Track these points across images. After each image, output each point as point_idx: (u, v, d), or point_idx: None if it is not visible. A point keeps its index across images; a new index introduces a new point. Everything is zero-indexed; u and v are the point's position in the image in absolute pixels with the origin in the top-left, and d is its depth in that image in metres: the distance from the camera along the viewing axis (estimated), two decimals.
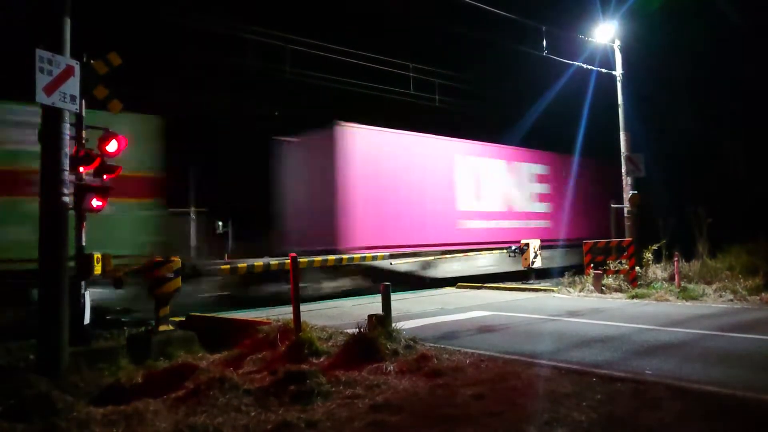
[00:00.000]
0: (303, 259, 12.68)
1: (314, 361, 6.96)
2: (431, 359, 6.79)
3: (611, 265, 14.90)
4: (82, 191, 8.31)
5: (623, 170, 16.52)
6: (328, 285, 15.16)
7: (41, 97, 6.48)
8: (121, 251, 10.36)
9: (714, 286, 13.36)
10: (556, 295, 14.56)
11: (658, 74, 23.92)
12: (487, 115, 25.34)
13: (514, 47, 16.85)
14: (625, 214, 16.51)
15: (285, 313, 9.30)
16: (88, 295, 8.43)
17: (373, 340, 7.12)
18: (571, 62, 17.34)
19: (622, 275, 14.69)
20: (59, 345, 6.78)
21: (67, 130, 7.05)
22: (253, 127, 21.14)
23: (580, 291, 14.53)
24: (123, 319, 11.30)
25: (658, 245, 15.71)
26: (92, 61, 8.32)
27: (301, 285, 8.13)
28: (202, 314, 10.74)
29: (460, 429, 4.63)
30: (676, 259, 14.10)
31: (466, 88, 21.88)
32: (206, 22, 14.76)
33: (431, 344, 7.89)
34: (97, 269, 8.34)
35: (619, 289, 14.22)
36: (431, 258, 16.97)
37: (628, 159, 16.44)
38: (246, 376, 6.41)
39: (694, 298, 12.62)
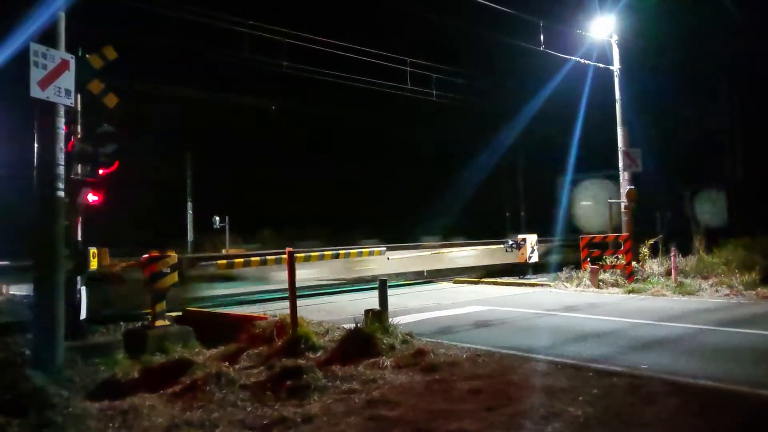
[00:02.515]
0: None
1: (311, 356, 6.96)
2: (428, 354, 6.79)
3: (608, 260, 14.92)
4: (78, 186, 8.28)
5: (620, 165, 16.53)
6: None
7: (35, 91, 6.45)
8: None
9: (710, 281, 13.39)
10: (553, 290, 14.58)
11: (656, 69, 23.90)
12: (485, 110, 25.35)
13: (511, 42, 16.81)
14: (622, 209, 16.52)
15: (282, 308, 9.29)
16: (85, 290, 8.40)
17: (369, 336, 7.11)
18: (568, 57, 17.31)
19: (618, 270, 14.71)
20: (55, 340, 6.77)
21: (62, 125, 7.02)
22: None
23: (576, 286, 14.55)
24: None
25: (654, 240, 15.73)
26: (87, 55, 8.27)
27: None
28: (199, 309, 10.74)
29: (457, 423, 4.63)
30: (672, 254, 14.12)
31: (463, 83, 21.82)
32: (202, 15, 14.68)
33: (428, 339, 7.89)
34: (94, 264, 8.31)
35: (615, 284, 14.26)
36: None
37: (626, 154, 16.44)
38: (242, 371, 6.40)
39: (690, 293, 12.64)
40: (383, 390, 5.61)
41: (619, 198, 16.67)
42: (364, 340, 7.03)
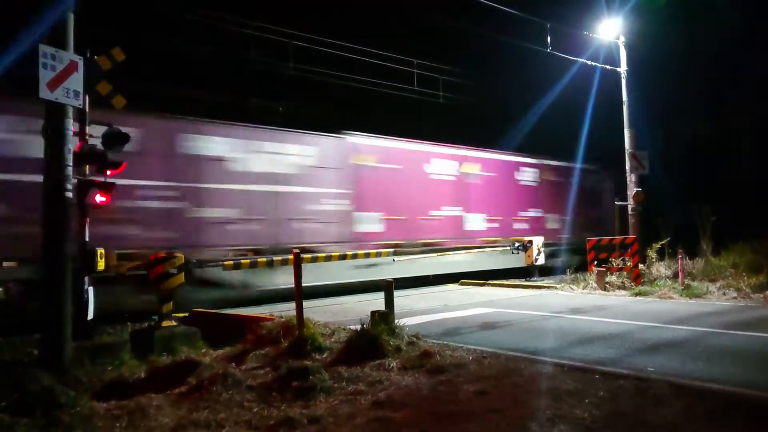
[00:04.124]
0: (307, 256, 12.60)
1: (317, 357, 6.97)
2: (434, 356, 6.79)
3: (614, 263, 14.87)
4: (86, 187, 8.32)
5: (627, 167, 16.49)
6: None
7: (45, 92, 6.48)
8: None
9: (718, 284, 13.33)
10: (559, 292, 14.55)
11: (664, 71, 23.83)
12: (491, 112, 25.33)
13: (518, 44, 16.82)
14: (629, 212, 16.48)
15: (288, 309, 9.31)
16: (92, 290, 8.44)
17: (375, 337, 7.12)
18: (575, 59, 17.31)
19: (625, 273, 14.67)
20: (62, 340, 6.80)
21: (71, 126, 7.05)
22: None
23: (583, 288, 14.51)
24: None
25: (662, 243, 15.68)
26: (96, 57, 8.31)
27: None
28: (206, 310, 10.75)
29: (463, 425, 4.63)
30: (680, 256, 14.06)
31: (470, 84, 21.84)
32: (210, 17, 14.75)
33: (434, 341, 7.89)
34: (101, 264, 8.35)
35: (622, 287, 14.22)
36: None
37: (633, 156, 16.40)
38: (249, 372, 6.42)
39: (697, 296, 12.59)
40: (389, 391, 5.61)
41: (626, 200, 16.64)
42: (370, 341, 7.03)
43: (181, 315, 9.87)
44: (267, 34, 15.28)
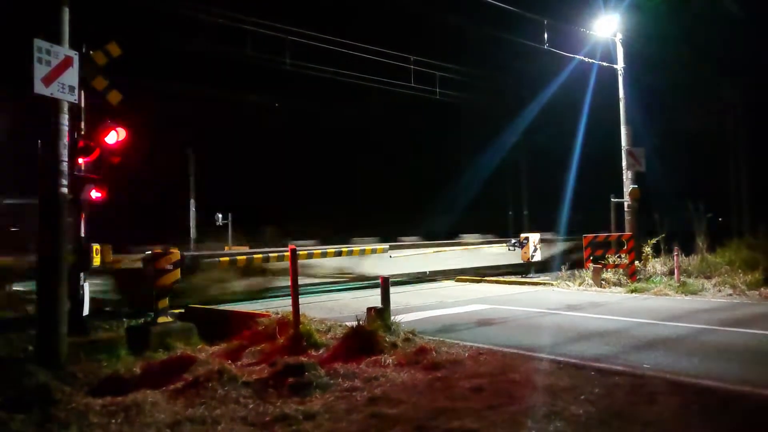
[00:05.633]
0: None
1: (313, 353, 6.97)
2: (430, 352, 6.79)
3: (610, 260, 14.90)
4: (81, 182, 8.30)
5: (623, 164, 16.49)
6: None
7: (39, 87, 6.45)
8: None
9: (713, 281, 13.37)
10: (555, 289, 14.57)
11: (660, 67, 23.82)
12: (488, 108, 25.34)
13: (515, 40, 16.81)
14: (625, 209, 16.49)
15: (284, 305, 9.30)
16: (87, 286, 8.43)
17: (371, 333, 7.12)
18: (572, 55, 17.29)
19: (621, 269, 14.69)
20: (58, 336, 6.78)
21: (66, 121, 7.02)
22: None
23: (579, 285, 14.53)
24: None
25: (657, 239, 15.70)
26: (91, 52, 8.28)
27: None
28: (202, 306, 10.74)
29: (459, 422, 4.64)
30: (675, 253, 14.09)
31: (467, 81, 21.83)
32: (205, 12, 14.70)
33: (430, 337, 7.89)
34: (96, 260, 8.33)
35: (618, 284, 14.24)
36: None
37: (629, 153, 16.40)
38: (245, 368, 6.41)
39: (693, 293, 12.62)
40: (385, 388, 5.61)
41: (622, 197, 16.65)
42: (367, 337, 7.03)
43: (177, 311, 9.86)
44: (263, 30, 15.23)
